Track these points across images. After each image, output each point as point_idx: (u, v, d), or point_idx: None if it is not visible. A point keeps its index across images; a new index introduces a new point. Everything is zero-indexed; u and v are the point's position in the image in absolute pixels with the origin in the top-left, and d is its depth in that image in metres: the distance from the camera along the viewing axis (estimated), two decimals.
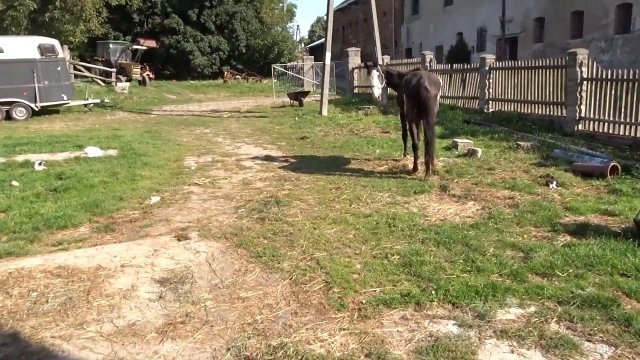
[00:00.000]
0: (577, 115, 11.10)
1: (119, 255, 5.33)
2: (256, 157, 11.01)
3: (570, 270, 4.48)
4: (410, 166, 9.01)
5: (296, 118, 17.23)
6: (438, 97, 8.79)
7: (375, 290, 4.31)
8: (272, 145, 12.58)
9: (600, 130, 10.63)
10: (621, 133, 10.20)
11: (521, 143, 10.65)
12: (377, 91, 9.69)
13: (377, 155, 10.56)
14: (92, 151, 10.81)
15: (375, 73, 9.61)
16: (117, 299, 4.34)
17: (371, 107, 17.99)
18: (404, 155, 9.81)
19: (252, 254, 5.27)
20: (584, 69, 10.93)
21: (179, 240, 5.78)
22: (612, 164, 8.26)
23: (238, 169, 9.85)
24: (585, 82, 10.95)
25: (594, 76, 10.72)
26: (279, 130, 15.17)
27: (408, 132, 8.90)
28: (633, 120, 9.90)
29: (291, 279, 4.66)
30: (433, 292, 4.18)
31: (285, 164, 10.17)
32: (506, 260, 4.76)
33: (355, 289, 4.35)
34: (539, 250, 4.97)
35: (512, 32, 29.35)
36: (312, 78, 28.81)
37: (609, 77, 10.34)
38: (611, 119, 10.40)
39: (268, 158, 10.87)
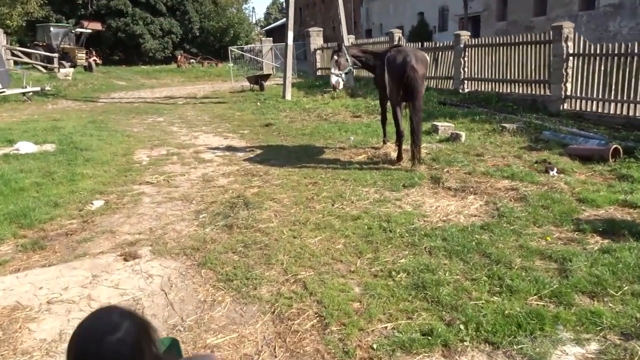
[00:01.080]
0: (563, 93, 10.39)
1: (46, 286, 4.12)
2: (217, 148, 9.79)
3: (625, 287, 3.59)
4: (393, 155, 8.03)
5: (258, 103, 15.98)
6: (424, 77, 7.80)
7: (386, 327, 3.29)
8: (233, 134, 11.36)
9: (589, 109, 9.96)
10: (611, 112, 9.54)
11: (506, 125, 9.85)
12: (334, 79, 8.61)
13: (352, 142, 9.53)
14: (25, 147, 9.32)
15: (334, 58, 8.53)
16: (36, 358, 3.16)
17: (337, 90, 16.91)
18: (384, 143, 8.81)
19: (219, 277, 4.16)
20: (570, 43, 10.19)
21: (125, 260, 4.59)
22: (614, 146, 7.53)
23: (197, 162, 8.62)
24: (571, 58, 10.22)
25: (582, 51, 10.00)
26: (240, 116, 13.91)
27: (392, 117, 7.89)
28: (625, 98, 9.22)
29: (273, 312, 3.59)
30: (462, 327, 3.21)
31: (251, 155, 9.01)
32: (540, 275, 3.83)
33: (360, 325, 3.32)
34: (574, 258, 4.07)
35: (474, 11, 28.80)
36: (272, 60, 27.44)
37: (598, 52, 9.63)
38: (600, 97, 9.71)
39: (230, 149, 9.67)
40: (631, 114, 9.15)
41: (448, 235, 4.70)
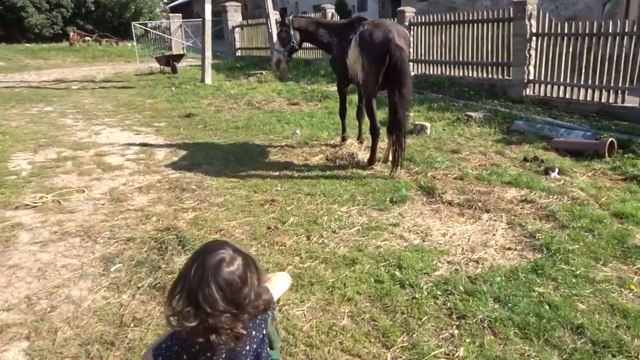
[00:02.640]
0: (526, 77, 9.36)
1: None
2: (127, 148, 7.64)
3: None
4: (361, 156, 6.45)
5: (173, 88, 13.65)
6: None
7: None
8: (147, 128, 9.17)
9: (555, 95, 8.99)
10: (581, 98, 8.61)
11: (472, 114, 8.63)
12: (275, 56, 6.97)
13: (298, 138, 7.82)
14: None
15: (276, 30, 6.88)
16: None
17: (264, 72, 15.03)
18: (343, 140, 7.18)
19: None
20: (534, 22, 9.13)
21: None
22: (609, 139, 6.49)
23: (101, 170, 6.48)
24: (534, 38, 9.18)
25: (547, 31, 8.97)
26: (152, 105, 11.60)
27: (364, 109, 6.24)
28: (598, 83, 8.32)
29: None
30: None
31: (175, 158, 7.00)
32: None
33: None
34: None
35: None
36: (182, 39, 24.65)
37: (566, 31, 8.63)
38: (569, 81, 8.76)
39: (146, 149, 7.56)
40: (604, 100, 8.25)
41: (499, 291, 3.20)
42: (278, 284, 1.87)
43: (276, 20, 6.82)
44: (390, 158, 5.75)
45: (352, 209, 4.76)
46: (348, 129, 7.35)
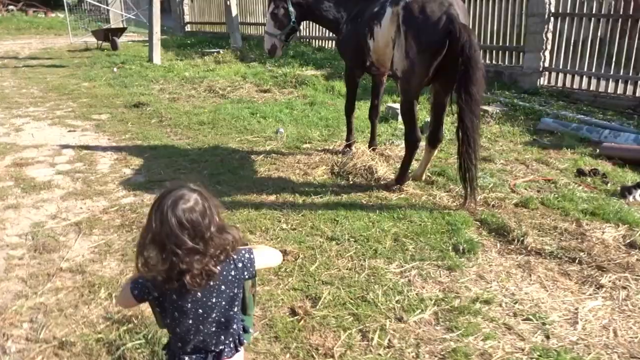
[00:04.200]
0: (542, 64, 8.06)
1: None
2: (59, 154, 5.72)
3: None
4: (379, 170, 4.87)
5: (114, 69, 11.44)
6: None
7: None
8: (85, 122, 7.17)
9: (576, 87, 7.75)
10: (610, 91, 7.41)
11: (487, 108, 7.25)
12: (269, 41, 5.30)
13: (284, 139, 6.16)
14: None
15: (271, 8, 5.22)
16: None
17: (221, 51, 13.08)
18: (348, 146, 5.55)
19: None
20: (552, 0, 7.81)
21: None
22: None
23: (21, 191, 4.61)
24: (553, 19, 7.87)
25: (570, 10, 7.67)
26: (89, 90, 9.46)
27: (403, 113, 4.50)
28: (631, 74, 7.13)
29: None
30: None
31: (126, 170, 5.17)
32: None
33: None
34: None
35: None
36: (121, 10, 21.93)
37: (594, 11, 7.35)
38: (594, 71, 7.53)
39: (84, 155, 5.66)
40: (638, 94, 7.08)
41: None
42: (265, 252, 1.77)
43: None
44: (462, 185, 4.08)
45: (406, 267, 3.21)
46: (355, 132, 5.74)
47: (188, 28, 17.65)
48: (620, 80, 7.29)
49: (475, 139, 3.94)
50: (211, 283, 1.55)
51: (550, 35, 7.96)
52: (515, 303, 2.87)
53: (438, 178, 4.82)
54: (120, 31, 15.15)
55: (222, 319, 1.61)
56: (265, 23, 5.22)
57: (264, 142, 6.08)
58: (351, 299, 2.86)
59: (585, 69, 7.63)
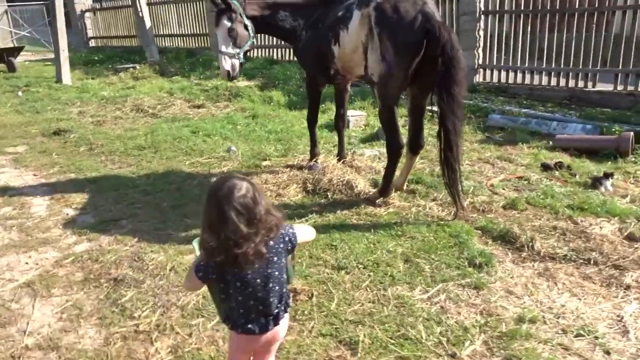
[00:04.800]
0: (476, 62, 8.22)
1: None
2: None
3: None
4: (359, 184, 4.59)
5: (20, 93, 10.20)
6: None
7: None
8: (0, 156, 6.24)
9: (511, 82, 7.98)
10: (544, 83, 7.71)
11: (434, 108, 7.22)
12: (227, 63, 4.63)
13: (239, 158, 5.72)
14: None
15: (224, 24, 4.59)
16: None
17: (137, 66, 12.19)
18: (313, 158, 5.21)
19: None
20: None
21: None
22: (631, 134, 5.51)
23: None
24: (483, 16, 8.06)
25: (499, 8, 7.88)
26: None
27: (382, 118, 4.18)
28: (563, 66, 7.45)
29: None
30: None
31: (69, 211, 4.46)
32: None
33: None
34: None
35: None
36: (9, 26, 19.95)
37: (523, 8, 7.61)
38: (527, 65, 7.80)
39: (12, 197, 4.85)
40: (572, 85, 7.41)
41: None
42: (303, 228, 1.97)
43: (218, 7, 4.54)
44: (450, 196, 3.92)
45: (432, 292, 2.94)
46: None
47: (92, 43, 16.37)
48: (552, 73, 7.59)
49: (457, 142, 3.79)
50: (266, 255, 1.73)
51: (482, 33, 8.13)
52: (558, 318, 2.70)
53: (417, 186, 4.63)
54: (16, 51, 13.65)
55: (277, 287, 1.81)
56: (220, 43, 4.64)
57: (219, 163, 5.58)
58: (391, 338, 2.54)
59: (519, 64, 7.86)
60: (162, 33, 14.00)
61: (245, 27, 4.60)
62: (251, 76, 10.07)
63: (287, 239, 1.83)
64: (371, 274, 3.15)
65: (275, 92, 8.86)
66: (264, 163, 5.48)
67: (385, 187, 4.24)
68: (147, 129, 7.15)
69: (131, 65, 12.43)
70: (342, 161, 5.13)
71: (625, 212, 3.92)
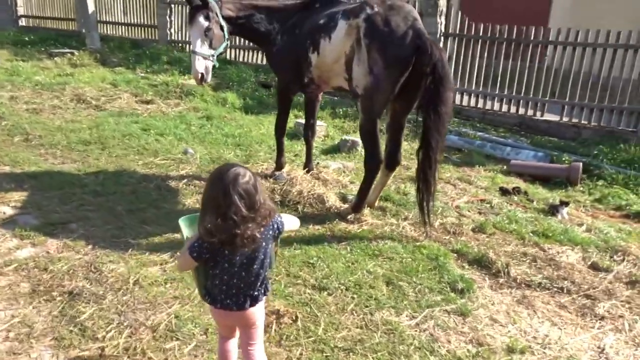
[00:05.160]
0: None
1: None
2: None
3: None
4: (330, 198, 4.45)
5: None
6: None
7: None
8: None
9: (465, 104, 8.20)
10: (495, 108, 7.98)
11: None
12: (200, 64, 4.30)
13: (197, 161, 5.43)
14: None
15: (199, 22, 4.28)
16: None
17: (76, 52, 11.39)
18: (279, 168, 5.03)
19: None
20: (443, 19, 8.16)
21: None
22: (580, 164, 5.79)
23: None
24: (443, 39, 8.23)
25: (458, 31, 8.09)
26: None
27: (364, 133, 3.98)
28: (514, 94, 7.77)
29: None
30: None
31: (7, 209, 3.98)
32: None
33: None
34: None
35: None
36: None
37: (481, 34, 7.85)
38: (481, 90, 8.05)
39: None
40: (522, 112, 7.73)
41: None
42: (289, 218, 2.16)
43: (194, 4, 4.26)
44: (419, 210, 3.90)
45: (419, 319, 2.86)
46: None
47: (23, 22, 15.16)
48: (504, 100, 7.87)
49: (436, 160, 3.79)
50: (257, 243, 1.88)
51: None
52: (545, 348, 2.70)
53: (386, 204, 4.57)
54: None
55: (260, 270, 1.96)
56: (193, 42, 4.34)
57: (176, 165, 5.25)
58: None
59: (474, 88, 8.09)
60: (104, 20, 13.20)
61: (221, 27, 4.36)
62: None
63: (275, 226, 1.99)
64: (355, 296, 3.02)
65: (230, 93, 8.55)
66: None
67: (359, 203, 4.14)
68: (91, 122, 6.63)
69: (68, 50, 11.59)
70: (309, 173, 4.97)
71: (586, 241, 4.06)
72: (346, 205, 4.32)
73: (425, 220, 3.85)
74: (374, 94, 3.79)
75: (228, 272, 1.91)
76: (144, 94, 8.38)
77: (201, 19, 4.23)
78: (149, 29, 12.37)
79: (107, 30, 13.26)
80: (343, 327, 2.71)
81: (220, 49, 4.42)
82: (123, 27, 12.99)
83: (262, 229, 1.89)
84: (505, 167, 6.12)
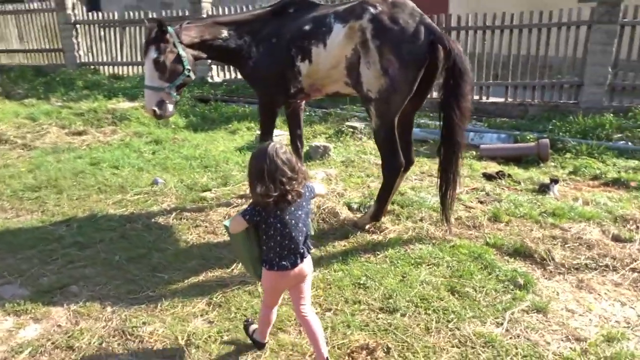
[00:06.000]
0: None
1: None
2: None
3: None
4: (342, 210, 4.21)
5: None
6: None
7: None
8: None
9: None
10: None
11: (356, 125, 7.18)
12: (151, 100, 3.99)
13: (173, 190, 4.94)
14: None
15: (151, 54, 3.93)
16: None
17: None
18: None
19: None
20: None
21: None
22: (547, 141, 6.02)
23: None
24: None
25: None
26: None
27: (380, 141, 3.79)
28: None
29: None
30: None
31: None
32: None
33: None
34: None
35: None
36: None
37: None
38: None
39: None
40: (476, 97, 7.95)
41: None
42: (318, 185, 2.55)
43: (148, 37, 3.86)
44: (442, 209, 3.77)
45: (505, 325, 2.72)
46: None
47: None
48: None
49: (461, 157, 3.71)
50: (300, 200, 2.24)
51: None
52: (634, 330, 2.68)
53: (392, 206, 4.41)
54: None
55: (304, 228, 2.30)
56: (147, 76, 3.94)
57: (153, 199, 4.71)
58: None
59: None
60: None
61: (179, 57, 3.96)
62: (132, 96, 8.95)
63: (309, 189, 2.36)
64: (429, 312, 2.82)
65: None
66: (209, 195, 4.77)
67: (378, 211, 3.94)
68: (29, 164, 5.82)
69: None
70: None
71: (594, 215, 4.16)
72: (359, 215, 4.10)
73: (447, 217, 3.75)
74: (390, 96, 3.60)
75: (281, 232, 2.24)
76: (72, 125, 7.59)
77: (152, 51, 3.94)
78: (53, 54, 11.27)
79: (1, 60, 11.89)
80: (440, 350, 2.51)
81: (178, 81, 4.03)
82: (21, 54, 11.72)
83: (302, 188, 2.25)
84: (475, 153, 6.21)
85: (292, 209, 2.23)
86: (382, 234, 3.87)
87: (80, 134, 7.29)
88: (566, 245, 3.64)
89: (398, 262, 3.40)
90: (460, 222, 4.09)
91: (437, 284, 3.10)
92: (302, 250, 2.30)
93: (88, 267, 3.44)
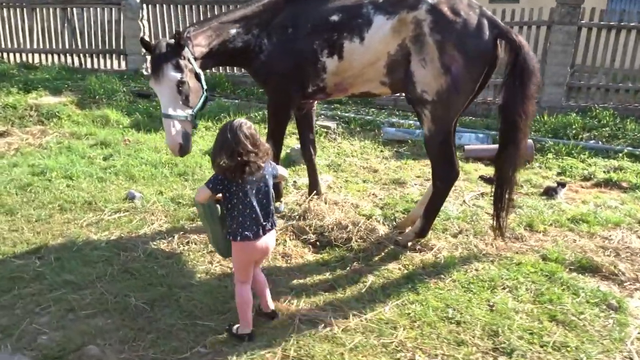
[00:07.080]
0: None
1: None
2: None
3: None
4: (380, 227, 3.73)
5: None
6: None
7: None
8: None
9: None
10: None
11: (330, 125, 6.70)
12: (177, 133, 3.16)
13: (158, 206, 4.15)
14: None
15: (172, 75, 3.12)
16: None
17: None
18: (279, 198, 4.08)
19: None
20: None
21: None
22: (531, 142, 6.01)
23: None
24: None
25: None
26: None
27: (435, 150, 3.39)
28: None
29: None
30: None
31: None
32: None
33: None
34: None
35: None
36: None
37: None
38: None
39: None
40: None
41: None
42: (279, 167, 2.66)
43: (158, 52, 3.08)
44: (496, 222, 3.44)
45: (633, 354, 2.45)
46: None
47: None
48: None
49: (520, 164, 3.44)
50: (261, 173, 2.40)
51: None
52: None
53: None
54: None
55: (265, 200, 2.46)
56: (164, 103, 3.13)
57: (139, 219, 3.89)
58: None
59: None
60: None
61: (197, 76, 3.26)
62: (56, 90, 7.64)
63: (272, 166, 2.52)
64: (547, 349, 2.46)
65: (107, 110, 6.92)
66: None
67: (426, 226, 3.52)
68: None
69: None
70: (321, 197, 4.13)
71: (620, 219, 4.10)
72: (407, 231, 3.65)
73: (503, 234, 3.45)
74: (450, 98, 3.18)
75: (243, 202, 2.36)
76: None
77: (170, 71, 3.11)
78: None
79: None
80: None
81: (199, 105, 3.30)
82: None
83: (263, 162, 2.38)
84: (459, 153, 6.03)
85: (254, 179, 2.36)
86: (431, 252, 3.46)
87: (1, 135, 6.04)
88: (622, 257, 3.49)
89: (471, 287, 3.02)
90: (513, 235, 3.80)
91: (534, 313, 2.76)
92: (264, 223, 2.41)
93: (99, 317, 2.64)
